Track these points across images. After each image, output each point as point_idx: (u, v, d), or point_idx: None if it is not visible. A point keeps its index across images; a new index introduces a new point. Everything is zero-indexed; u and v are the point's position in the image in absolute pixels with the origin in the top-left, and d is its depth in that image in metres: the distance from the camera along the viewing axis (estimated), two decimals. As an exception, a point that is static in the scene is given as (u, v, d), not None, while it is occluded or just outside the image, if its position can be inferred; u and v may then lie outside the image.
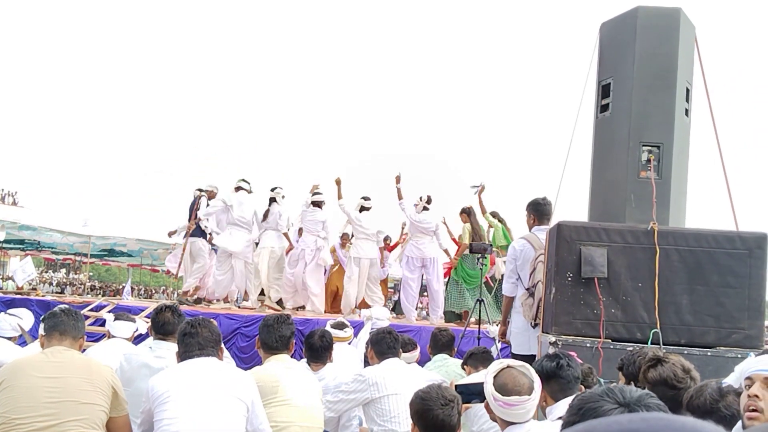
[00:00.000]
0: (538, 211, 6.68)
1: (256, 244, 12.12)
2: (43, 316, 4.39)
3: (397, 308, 13.77)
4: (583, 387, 4.00)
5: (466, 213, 11.73)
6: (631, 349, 4.93)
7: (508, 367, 3.47)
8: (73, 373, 3.81)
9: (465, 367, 5.68)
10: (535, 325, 6.39)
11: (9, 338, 5.73)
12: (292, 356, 4.84)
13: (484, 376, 3.54)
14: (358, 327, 8.08)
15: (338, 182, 12.05)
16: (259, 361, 4.88)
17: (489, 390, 3.40)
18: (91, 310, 10.46)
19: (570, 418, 1.89)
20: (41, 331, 4.25)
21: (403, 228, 13.31)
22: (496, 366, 3.50)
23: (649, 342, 5.19)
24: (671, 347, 5.14)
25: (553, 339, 5.30)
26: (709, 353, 5.24)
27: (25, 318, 6.04)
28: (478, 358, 5.64)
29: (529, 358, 6.45)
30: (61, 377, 3.78)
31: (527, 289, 6.47)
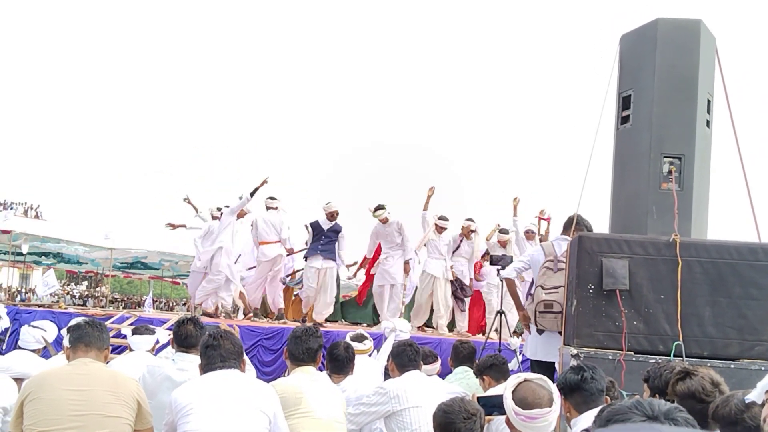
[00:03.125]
0: (564, 223, 6.86)
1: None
2: (67, 328, 4.42)
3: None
4: (608, 398, 3.99)
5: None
6: (653, 361, 4.92)
7: (525, 380, 3.47)
8: (99, 386, 3.84)
9: (484, 377, 5.64)
10: (540, 331, 6.45)
11: (33, 350, 5.77)
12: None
13: (503, 390, 3.55)
14: (377, 339, 8.08)
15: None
16: (281, 375, 4.90)
17: (509, 405, 3.40)
18: (114, 322, 10.52)
19: (598, 430, 1.90)
20: (66, 343, 4.27)
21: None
22: (513, 380, 3.51)
23: (672, 354, 5.17)
24: (694, 360, 5.11)
25: (575, 351, 5.29)
26: (732, 366, 5.21)
27: (48, 330, 6.09)
28: (500, 370, 5.60)
29: (538, 363, 6.51)
30: (87, 389, 3.80)
31: (530, 294, 6.54)
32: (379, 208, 11.58)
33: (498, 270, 9.09)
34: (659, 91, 5.90)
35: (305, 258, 11.78)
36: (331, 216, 11.65)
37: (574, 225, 6.52)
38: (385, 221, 11.60)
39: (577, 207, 6.65)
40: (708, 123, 6.04)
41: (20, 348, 5.83)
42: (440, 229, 11.72)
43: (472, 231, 11.97)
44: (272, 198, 12.16)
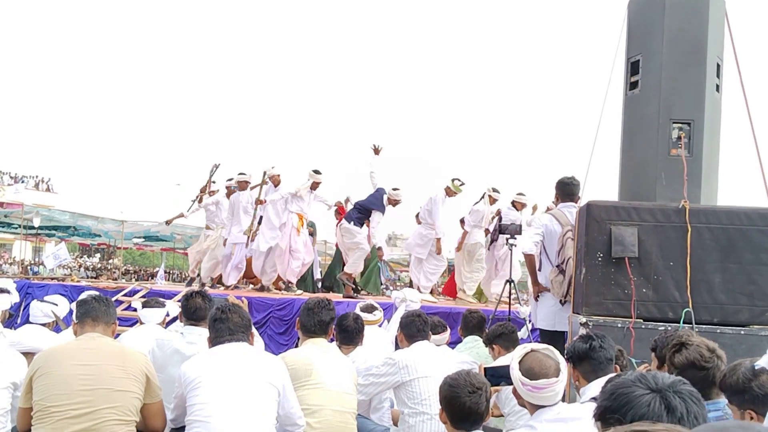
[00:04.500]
0: (562, 189, 6.85)
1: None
2: (74, 303, 4.44)
3: None
4: (617, 367, 3.99)
5: None
6: (662, 328, 4.91)
7: (532, 351, 3.47)
8: (107, 361, 3.85)
9: (494, 346, 5.64)
10: (564, 302, 6.41)
11: (44, 324, 5.80)
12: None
13: (510, 360, 3.54)
14: (387, 309, 8.09)
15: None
16: (292, 346, 4.91)
17: (516, 375, 3.39)
18: (125, 294, 10.58)
19: (602, 403, 1.90)
20: (73, 318, 4.29)
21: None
22: (520, 351, 3.50)
23: (681, 321, 5.15)
24: (704, 326, 5.10)
25: (584, 320, 5.28)
26: (742, 332, 5.20)
27: (60, 305, 6.12)
28: (509, 339, 5.60)
29: (552, 334, 6.48)
30: (95, 364, 3.81)
31: (557, 266, 6.47)
32: (462, 183, 11.91)
33: (507, 239, 9.07)
34: (668, 55, 5.83)
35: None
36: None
37: (582, 191, 6.50)
38: (453, 195, 11.94)
39: (585, 174, 6.61)
40: (717, 88, 5.97)
41: (30, 323, 5.86)
42: (493, 201, 12.05)
43: (524, 204, 12.07)
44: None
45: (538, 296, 6.93)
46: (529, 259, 7.06)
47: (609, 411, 1.86)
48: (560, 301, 6.49)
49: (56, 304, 6.09)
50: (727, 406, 3.17)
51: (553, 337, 6.39)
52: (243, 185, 12.41)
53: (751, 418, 2.96)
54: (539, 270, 7.00)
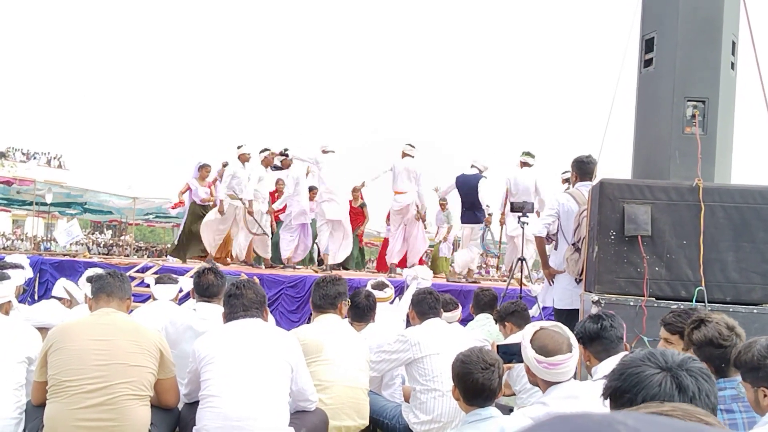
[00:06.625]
0: (581, 168, 6.77)
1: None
2: (88, 278, 4.47)
3: None
4: (628, 346, 4.00)
5: None
6: (675, 307, 4.90)
7: (541, 328, 3.48)
8: (122, 336, 3.87)
9: (505, 324, 5.65)
10: (579, 281, 6.40)
11: (59, 299, 5.84)
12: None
13: (520, 340, 3.55)
14: (398, 287, 8.10)
15: None
16: (304, 323, 4.94)
17: (530, 354, 3.40)
18: (138, 271, 10.60)
19: (612, 383, 1.88)
20: (88, 293, 4.31)
21: None
22: (529, 330, 3.51)
23: (694, 300, 5.14)
24: (716, 305, 5.09)
25: (596, 298, 5.27)
26: (755, 310, 5.18)
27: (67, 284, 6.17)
28: (522, 316, 5.61)
29: (571, 312, 6.47)
30: (110, 339, 3.84)
31: (573, 245, 6.46)
32: (529, 154, 11.44)
33: (519, 217, 9.05)
34: (683, 32, 5.78)
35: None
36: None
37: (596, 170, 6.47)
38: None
39: (599, 152, 6.59)
40: (732, 65, 5.91)
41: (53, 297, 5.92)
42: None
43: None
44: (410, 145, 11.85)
45: (552, 280, 6.90)
46: (539, 241, 7.04)
47: (619, 391, 1.85)
48: (576, 279, 6.49)
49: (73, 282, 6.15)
50: (740, 384, 3.17)
51: (569, 315, 6.38)
52: (287, 162, 12.13)
53: (765, 396, 2.96)
54: (555, 249, 6.98)
